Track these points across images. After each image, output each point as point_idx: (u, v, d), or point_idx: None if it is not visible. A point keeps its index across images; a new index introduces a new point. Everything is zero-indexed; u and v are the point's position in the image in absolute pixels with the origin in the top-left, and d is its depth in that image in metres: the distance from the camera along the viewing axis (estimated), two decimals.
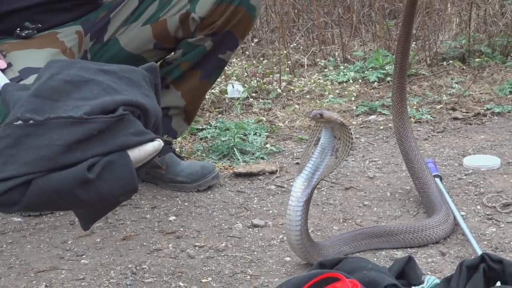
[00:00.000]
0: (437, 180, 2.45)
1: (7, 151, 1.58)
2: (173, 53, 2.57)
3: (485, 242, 2.16)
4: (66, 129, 1.57)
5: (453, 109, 3.43)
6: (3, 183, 1.56)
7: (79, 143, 1.58)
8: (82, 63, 1.79)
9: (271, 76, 3.87)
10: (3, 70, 2.08)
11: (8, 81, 1.92)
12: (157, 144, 1.66)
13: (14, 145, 1.58)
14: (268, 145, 3.01)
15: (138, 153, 1.63)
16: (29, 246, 2.26)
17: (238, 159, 2.86)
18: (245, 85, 3.70)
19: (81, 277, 2.06)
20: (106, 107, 1.62)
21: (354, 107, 3.47)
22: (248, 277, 2.03)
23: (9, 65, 2.20)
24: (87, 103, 1.62)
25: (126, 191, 1.65)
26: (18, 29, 2.30)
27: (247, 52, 4.30)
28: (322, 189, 2.60)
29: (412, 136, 2.48)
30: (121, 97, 1.65)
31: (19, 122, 1.59)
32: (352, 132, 2.05)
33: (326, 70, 4.04)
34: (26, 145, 1.57)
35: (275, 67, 3.94)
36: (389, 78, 3.81)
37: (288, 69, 4.00)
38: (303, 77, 3.93)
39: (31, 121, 1.58)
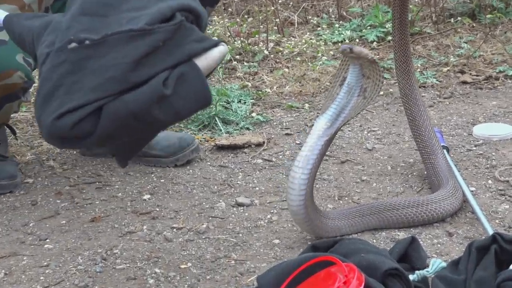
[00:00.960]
0: (444, 151, 2.45)
1: (68, 78, 1.56)
2: None
3: (497, 221, 2.18)
4: (130, 44, 1.56)
5: (462, 72, 3.44)
6: (71, 114, 1.54)
7: (146, 57, 1.57)
8: None
9: (257, 36, 3.86)
10: None
11: (7, 13, 1.90)
12: (223, 48, 1.65)
13: (75, 71, 1.56)
14: (254, 114, 3.01)
15: (206, 61, 1.63)
16: None
17: (221, 130, 2.87)
18: (228, 46, 3.69)
19: (45, 263, 2.06)
20: (164, 14, 1.61)
21: None
22: (233, 262, 2.03)
23: None
24: (142, 13, 1.61)
25: (202, 105, 1.65)
26: None
27: (229, 9, 4.29)
28: None
29: (421, 99, 2.48)
30: (175, 2, 1.63)
31: (73, 44, 1.56)
32: (382, 71, 2.05)
33: (319, 28, 4.04)
34: (89, 68, 1.56)
35: (261, 26, 3.93)
36: (389, 38, 3.81)
37: (276, 28, 4.00)
38: (293, 36, 3.93)
39: (87, 42, 1.56)
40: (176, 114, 1.62)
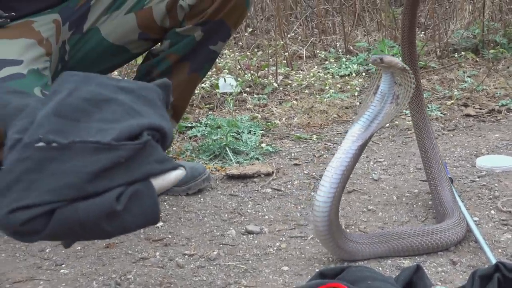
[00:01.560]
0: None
1: (28, 175, 1.56)
2: (159, 44, 2.58)
3: (499, 250, 2.18)
4: (94, 155, 1.56)
5: (465, 105, 3.45)
6: (25, 211, 1.54)
7: (106, 170, 1.57)
8: (99, 78, 1.77)
9: (266, 69, 3.88)
10: None
11: None
12: (180, 172, 1.65)
13: (36, 170, 1.56)
14: (263, 145, 3.02)
15: (162, 182, 1.62)
16: (3, 255, 2.27)
17: (231, 160, 2.88)
18: (238, 79, 3.72)
19: (61, 287, 2.07)
20: (132, 132, 1.61)
21: (358, 103, 3.49)
22: None
23: None
24: (112, 126, 1.62)
25: (150, 223, 1.63)
26: None
27: (240, 43, 4.31)
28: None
29: (433, 132, 2.49)
30: (145, 121, 1.64)
31: (41, 144, 1.56)
32: (413, 77, 2.06)
33: (326, 62, 4.06)
34: (50, 170, 1.55)
35: (270, 59, 3.95)
36: None
37: (285, 61, 4.02)
38: (301, 70, 3.95)
39: (54, 144, 1.56)
40: (123, 229, 1.62)
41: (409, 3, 2.33)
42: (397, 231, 2.20)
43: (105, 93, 1.69)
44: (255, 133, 3.10)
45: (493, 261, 2.01)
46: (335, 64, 3.99)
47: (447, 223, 2.22)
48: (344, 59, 4.05)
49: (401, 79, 2.05)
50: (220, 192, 2.65)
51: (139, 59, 2.68)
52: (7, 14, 2.31)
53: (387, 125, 3.24)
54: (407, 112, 3.34)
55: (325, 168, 2.74)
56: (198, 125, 3.18)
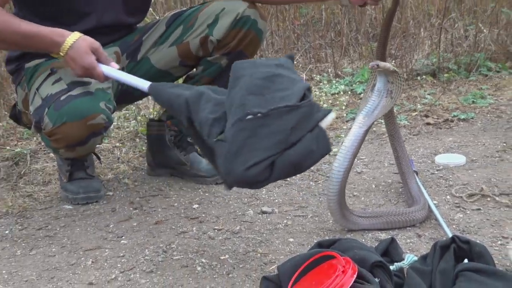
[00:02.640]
0: (415, 175, 2.43)
1: (249, 140, 1.64)
2: (195, 69, 2.57)
3: (454, 226, 2.15)
4: (287, 116, 1.65)
5: (426, 116, 3.42)
6: (256, 167, 1.63)
7: (297, 125, 1.66)
8: (262, 61, 1.87)
9: None
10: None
11: (151, 82, 1.93)
12: (333, 114, 1.75)
13: (253, 135, 1.64)
14: None
15: (324, 124, 1.72)
16: (78, 229, 2.26)
17: None
18: None
19: (121, 254, 2.05)
20: (301, 93, 1.70)
21: (345, 114, 3.46)
22: (259, 255, 2.02)
23: (60, 79, 2.20)
24: (287, 92, 1.70)
25: (327, 152, 1.73)
26: None
27: None
28: (319, 182, 2.59)
29: (401, 137, 2.48)
30: (303, 84, 1.74)
31: (250, 116, 1.65)
32: (402, 77, 2.09)
33: (321, 83, 4.04)
34: (263, 134, 1.64)
35: None
36: None
37: None
38: None
39: (259, 114, 1.65)
40: (314, 162, 1.73)
41: (380, 41, 2.33)
42: (384, 210, 2.20)
43: (272, 71, 1.76)
44: None
45: (450, 234, 1.99)
46: (327, 85, 3.96)
47: (416, 207, 2.19)
48: (334, 81, 4.03)
49: (393, 78, 2.05)
50: None
51: (180, 81, 2.66)
52: None
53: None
54: (382, 121, 3.32)
55: (321, 164, 2.73)
56: None
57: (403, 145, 2.44)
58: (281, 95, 1.69)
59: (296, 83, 1.74)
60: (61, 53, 2.06)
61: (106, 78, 2.07)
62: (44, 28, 2.09)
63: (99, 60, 2.06)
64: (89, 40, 2.07)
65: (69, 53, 2.05)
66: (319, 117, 1.70)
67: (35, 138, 3.11)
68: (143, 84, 1.95)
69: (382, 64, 2.01)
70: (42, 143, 2.86)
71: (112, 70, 2.05)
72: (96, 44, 2.07)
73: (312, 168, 2.70)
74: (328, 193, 2.08)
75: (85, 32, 2.34)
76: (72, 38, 2.06)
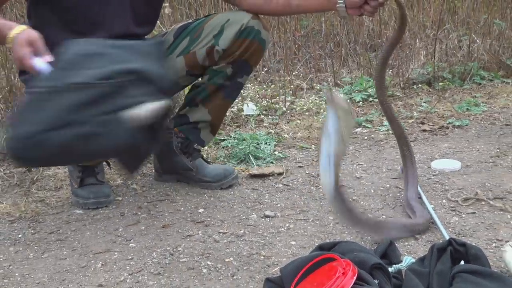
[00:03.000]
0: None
1: (28, 111, 1.55)
2: (201, 78, 2.56)
3: (450, 229, 2.14)
4: (74, 93, 1.53)
5: (422, 123, 3.41)
6: (24, 140, 1.54)
7: (85, 104, 1.53)
8: (100, 40, 1.76)
9: (277, 97, 3.85)
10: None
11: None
12: (159, 103, 1.57)
13: (36, 108, 1.55)
14: (276, 152, 2.99)
15: (139, 111, 1.55)
16: (88, 233, 2.25)
17: (253, 163, 2.85)
18: (258, 104, 3.69)
19: (130, 257, 2.04)
20: (108, 74, 1.57)
21: None
22: (262, 257, 2.01)
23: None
24: (92, 71, 1.57)
25: (124, 145, 1.58)
26: None
27: (258, 79, 4.29)
28: (319, 186, 2.57)
29: (409, 141, 2.45)
30: (124, 65, 1.59)
31: (36, 89, 1.57)
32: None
33: (321, 92, 4.03)
34: (42, 107, 1.54)
35: (280, 90, 3.92)
36: (371, 99, 3.79)
37: (291, 92, 3.99)
38: (303, 98, 3.92)
39: (44, 88, 1.56)
40: (102, 150, 1.57)
41: (383, 55, 2.30)
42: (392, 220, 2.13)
43: (98, 49, 1.65)
44: (270, 144, 3.07)
45: (447, 237, 1.98)
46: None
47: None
48: (333, 90, 4.01)
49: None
50: (245, 187, 2.61)
51: (187, 89, 2.65)
52: None
53: (366, 137, 3.20)
54: (380, 128, 3.30)
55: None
56: (229, 138, 3.16)
57: (410, 146, 2.42)
58: (84, 73, 1.57)
59: (120, 63, 1.58)
60: (9, 45, 2.05)
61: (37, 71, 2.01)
62: (2, 21, 2.07)
63: (36, 53, 2.02)
64: (28, 33, 1.99)
65: (11, 45, 2.03)
66: (125, 103, 1.54)
67: None
68: None
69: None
70: None
71: (41, 63, 2.00)
72: (34, 37, 2.00)
73: (312, 173, 2.70)
74: None
75: None
76: (15, 31, 2.00)
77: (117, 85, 1.55)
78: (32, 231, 2.29)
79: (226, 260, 2.00)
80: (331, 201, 1.92)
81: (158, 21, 2.78)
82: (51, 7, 2.28)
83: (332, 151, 1.85)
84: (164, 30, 3.17)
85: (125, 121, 1.54)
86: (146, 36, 2.57)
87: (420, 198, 2.34)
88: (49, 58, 1.97)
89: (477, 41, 4.51)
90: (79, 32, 2.28)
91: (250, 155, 2.90)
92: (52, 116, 1.52)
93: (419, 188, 2.39)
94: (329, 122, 1.85)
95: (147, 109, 1.55)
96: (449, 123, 3.38)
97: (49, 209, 2.48)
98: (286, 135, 3.25)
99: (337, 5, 2.26)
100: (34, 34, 1.99)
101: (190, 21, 2.58)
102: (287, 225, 2.24)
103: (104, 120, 1.53)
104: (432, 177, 2.63)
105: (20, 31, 2.00)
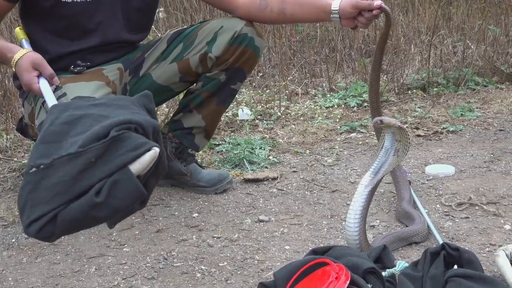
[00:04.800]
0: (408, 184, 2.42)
1: (31, 195, 1.54)
2: (195, 84, 2.56)
3: (443, 234, 2.14)
4: (69, 165, 1.52)
5: (417, 128, 3.41)
6: (36, 223, 1.53)
7: (83, 172, 1.52)
8: (76, 103, 1.73)
9: (272, 102, 3.86)
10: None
11: (56, 102, 1.91)
12: (153, 152, 1.56)
13: (34, 189, 1.54)
14: (270, 157, 2.99)
15: (139, 165, 1.55)
16: (82, 238, 2.24)
17: (247, 168, 2.85)
18: (252, 109, 3.69)
19: (124, 261, 2.04)
20: (98, 134, 1.56)
21: (338, 127, 3.46)
22: (256, 262, 2.01)
23: (65, 94, 2.18)
24: (81, 136, 1.57)
25: (135, 200, 1.58)
26: (72, 66, 2.30)
27: (253, 84, 4.29)
28: (314, 191, 2.58)
29: None
30: (110, 121, 1.58)
31: (33, 169, 1.55)
32: (410, 135, 1.96)
33: (316, 97, 4.03)
34: (43, 187, 1.53)
35: (275, 95, 3.93)
36: (366, 104, 3.80)
37: (286, 97, 4.00)
38: (297, 103, 3.92)
39: (41, 166, 1.54)
40: (114, 211, 1.56)
41: (376, 58, 2.28)
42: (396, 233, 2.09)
43: (79, 112, 1.64)
44: (264, 149, 3.07)
45: (440, 241, 1.98)
46: (322, 99, 3.95)
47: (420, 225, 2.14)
48: (328, 95, 4.02)
49: (401, 137, 1.93)
50: (239, 191, 2.61)
51: (181, 95, 2.65)
52: (84, 64, 2.31)
53: (360, 142, 3.21)
54: (374, 132, 3.31)
55: (316, 174, 2.72)
56: (224, 143, 3.16)
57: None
58: (74, 140, 1.56)
59: (103, 121, 1.58)
60: (13, 69, 2.08)
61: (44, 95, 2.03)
62: (2, 43, 2.10)
63: (43, 74, 2.04)
64: (32, 57, 2.05)
65: (16, 69, 2.08)
66: (127, 158, 1.54)
67: None
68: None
69: (386, 120, 1.88)
70: None
71: (46, 89, 2.01)
72: (39, 60, 2.04)
73: (307, 177, 2.70)
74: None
75: (90, 48, 2.35)
76: (18, 55, 2.06)
77: (111, 141, 1.55)
78: (26, 236, 2.29)
79: (220, 264, 2.00)
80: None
81: (153, 26, 2.79)
82: (44, 14, 2.28)
83: (387, 163, 1.94)
84: (159, 35, 3.18)
85: (130, 176, 1.54)
86: (140, 42, 2.57)
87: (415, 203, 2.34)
88: (56, 81, 2.01)
89: (472, 47, 4.53)
90: (72, 39, 2.29)
91: (244, 160, 2.90)
92: (57, 192, 1.53)
93: (412, 191, 2.40)
94: (387, 140, 1.95)
95: (146, 159, 1.56)
96: (443, 128, 3.39)
97: None
98: (280, 140, 3.26)
99: (331, 16, 2.26)
100: (37, 57, 2.05)
101: (185, 27, 2.58)
102: (281, 229, 2.24)
103: (113, 181, 1.53)
104: (426, 182, 2.64)
105: (22, 54, 2.05)
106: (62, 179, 1.52)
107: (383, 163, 1.96)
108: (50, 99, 1.99)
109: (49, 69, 2.05)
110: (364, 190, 1.95)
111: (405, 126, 2.05)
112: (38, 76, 2.06)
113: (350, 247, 1.90)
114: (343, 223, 2.25)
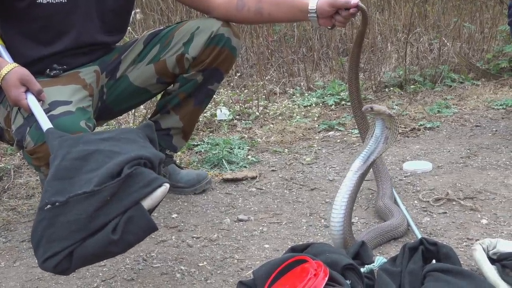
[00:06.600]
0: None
1: (47, 231, 1.57)
2: (172, 85, 2.55)
3: (422, 229, 2.16)
4: (85, 202, 1.56)
5: None
6: (52, 259, 1.57)
7: (99, 210, 1.56)
8: (85, 137, 1.76)
9: (250, 102, 3.86)
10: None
11: (51, 126, 1.90)
12: (164, 188, 1.62)
13: (50, 225, 1.57)
14: (249, 157, 2.99)
15: (151, 201, 1.60)
16: None
17: (226, 168, 2.85)
18: (231, 109, 3.69)
19: (103, 264, 2.03)
20: (112, 172, 1.60)
21: (317, 125, 3.47)
22: (236, 261, 2.01)
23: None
24: (95, 173, 1.60)
25: (147, 235, 1.63)
26: (48, 70, 2.28)
27: (231, 84, 4.29)
28: (293, 190, 2.58)
29: None
30: (122, 158, 1.62)
31: (48, 206, 1.57)
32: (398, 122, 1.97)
33: (294, 96, 4.05)
34: (59, 223, 1.56)
35: (253, 95, 3.93)
36: (343, 102, 3.81)
37: (264, 96, 4.00)
38: (276, 102, 3.93)
39: (57, 203, 1.57)
40: (129, 245, 1.62)
41: (354, 55, 2.29)
42: (378, 228, 2.10)
43: (90, 148, 1.67)
44: (243, 148, 3.07)
45: (419, 236, 1.99)
46: (300, 98, 3.97)
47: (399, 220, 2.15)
48: (306, 94, 4.04)
49: (390, 124, 1.95)
50: (218, 191, 2.61)
51: (158, 97, 2.64)
52: (60, 67, 2.29)
53: (338, 140, 3.22)
54: (353, 131, 3.32)
55: (295, 173, 2.73)
56: (202, 143, 3.16)
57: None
58: (88, 178, 1.60)
59: (115, 157, 1.62)
60: None
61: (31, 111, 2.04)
62: None
63: (31, 90, 2.04)
64: (20, 72, 2.04)
65: (2, 84, 2.06)
66: (140, 195, 1.59)
67: (18, 154, 3.07)
68: (45, 125, 1.92)
69: (376, 108, 1.89)
70: None
71: (35, 105, 2.01)
72: (27, 75, 2.04)
73: (286, 176, 2.71)
74: (333, 242, 1.93)
75: (64, 51, 2.33)
76: (5, 70, 2.05)
77: (125, 179, 1.59)
78: (4, 239, 2.27)
79: (200, 264, 2.00)
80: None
81: (130, 28, 2.78)
82: (18, 16, 2.26)
83: (377, 150, 1.96)
84: (135, 36, 3.17)
85: (143, 212, 1.59)
86: (116, 44, 2.56)
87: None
88: (44, 96, 2.00)
89: (448, 44, 4.56)
90: (47, 42, 2.27)
91: (223, 160, 2.90)
92: (74, 229, 1.56)
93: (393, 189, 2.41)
94: (377, 128, 1.96)
95: (158, 195, 1.61)
96: (421, 125, 3.41)
97: (21, 217, 2.46)
98: (259, 140, 3.26)
99: (308, 15, 2.26)
100: (25, 73, 2.05)
101: (162, 28, 2.57)
102: (260, 228, 2.25)
103: (127, 218, 1.58)
104: (404, 178, 2.65)
105: (9, 70, 2.04)
106: (79, 217, 1.56)
107: (373, 150, 1.98)
108: (40, 115, 1.98)
109: (37, 85, 2.04)
110: (354, 175, 1.95)
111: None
112: (25, 92, 2.05)
113: (333, 234, 1.91)
114: (322, 220, 2.26)
